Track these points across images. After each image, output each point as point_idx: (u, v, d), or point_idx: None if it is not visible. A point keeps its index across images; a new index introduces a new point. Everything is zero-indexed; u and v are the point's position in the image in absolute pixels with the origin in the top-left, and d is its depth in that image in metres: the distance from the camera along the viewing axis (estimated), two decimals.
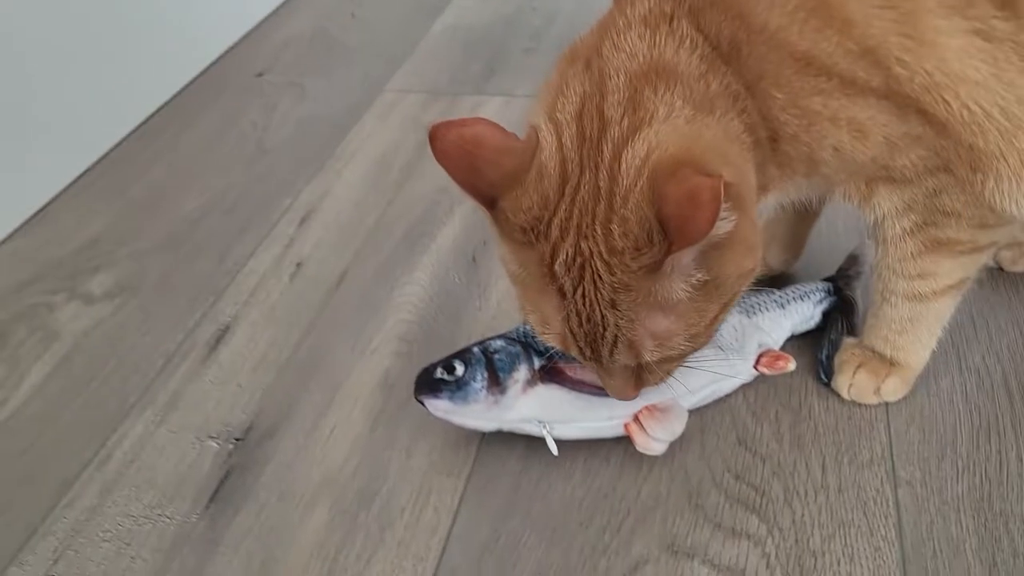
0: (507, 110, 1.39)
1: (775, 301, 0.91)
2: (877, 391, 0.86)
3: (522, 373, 0.82)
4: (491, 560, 0.76)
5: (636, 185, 0.63)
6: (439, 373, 0.82)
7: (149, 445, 0.89)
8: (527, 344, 0.84)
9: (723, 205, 0.58)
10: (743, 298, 0.76)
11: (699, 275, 0.65)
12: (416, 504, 0.81)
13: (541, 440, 0.82)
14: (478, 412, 0.81)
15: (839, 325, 0.92)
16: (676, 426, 0.80)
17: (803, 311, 0.91)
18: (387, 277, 1.08)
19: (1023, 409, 0.85)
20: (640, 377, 0.73)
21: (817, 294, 0.93)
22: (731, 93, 0.68)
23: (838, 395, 0.87)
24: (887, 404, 0.86)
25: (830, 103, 0.68)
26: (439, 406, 0.82)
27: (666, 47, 0.67)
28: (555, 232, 0.65)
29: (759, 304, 0.90)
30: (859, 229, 1.01)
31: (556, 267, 0.66)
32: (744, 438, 0.84)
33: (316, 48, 1.65)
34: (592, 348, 0.69)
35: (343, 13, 1.76)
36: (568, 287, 0.66)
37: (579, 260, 0.65)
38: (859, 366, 0.86)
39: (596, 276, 0.65)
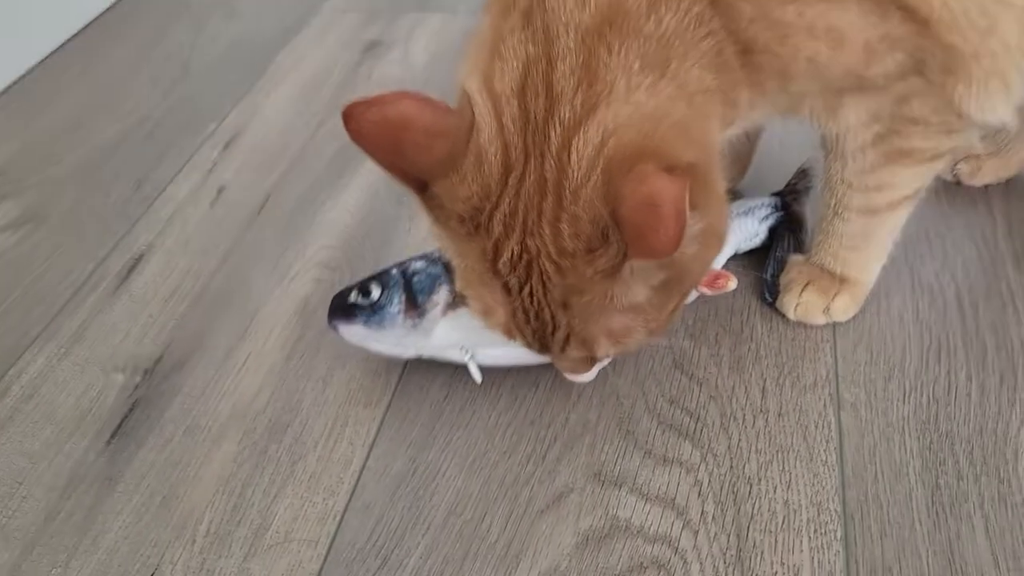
0: (449, 27, 1.32)
1: None
2: (826, 311, 0.81)
3: (442, 295, 0.76)
4: (406, 492, 0.71)
5: (589, 180, 0.56)
6: (354, 297, 0.77)
7: (50, 379, 0.83)
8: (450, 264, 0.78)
9: (689, 213, 0.52)
10: None
11: (662, 275, 0.59)
12: (330, 436, 0.76)
13: (467, 368, 0.77)
14: (395, 338, 0.76)
15: (786, 242, 0.87)
16: None
17: (747, 227, 0.86)
18: (312, 201, 1.01)
19: (975, 327, 0.80)
20: (594, 360, 0.69)
21: (763, 210, 0.87)
22: (691, 18, 0.60)
23: (783, 316, 0.82)
24: (835, 324, 0.81)
25: (806, 11, 0.61)
26: (353, 332, 0.76)
27: None
28: (497, 227, 0.59)
29: None
30: (809, 143, 0.96)
31: (500, 264, 0.60)
32: (681, 361, 0.79)
33: None
34: (541, 342, 0.64)
35: None
36: (514, 285, 0.61)
37: (525, 258, 0.59)
38: (807, 285, 0.81)
39: (545, 277, 0.59)
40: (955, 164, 0.94)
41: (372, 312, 0.76)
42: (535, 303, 0.61)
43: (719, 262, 0.83)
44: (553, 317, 0.62)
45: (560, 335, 0.63)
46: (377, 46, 1.29)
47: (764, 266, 0.85)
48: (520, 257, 0.59)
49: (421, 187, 0.60)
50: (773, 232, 0.87)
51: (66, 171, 1.09)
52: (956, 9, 0.62)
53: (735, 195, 0.91)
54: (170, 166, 1.09)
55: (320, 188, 1.03)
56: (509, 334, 0.66)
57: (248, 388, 0.81)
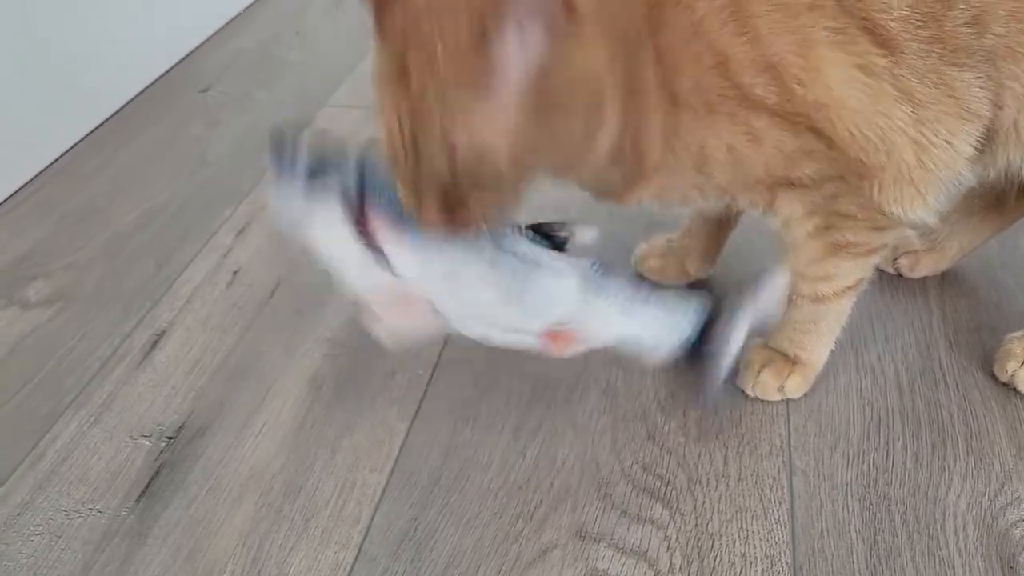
0: None
1: (623, 291, 0.79)
2: (780, 389, 0.91)
3: None
4: (408, 547, 0.80)
5: None
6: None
7: (82, 444, 0.92)
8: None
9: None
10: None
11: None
12: (340, 497, 0.85)
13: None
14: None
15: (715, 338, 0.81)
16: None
17: (656, 320, 0.79)
18: (321, 283, 1.10)
19: (911, 403, 0.91)
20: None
21: (688, 311, 0.80)
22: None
23: (743, 392, 0.92)
24: (788, 400, 0.92)
25: (734, 109, 0.73)
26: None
27: None
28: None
29: (588, 273, 0.78)
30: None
31: None
32: (653, 433, 0.89)
33: (260, 65, 1.68)
34: None
35: (288, 31, 1.80)
36: None
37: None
38: (763, 366, 0.92)
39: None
40: (896, 259, 1.06)
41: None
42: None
43: (593, 335, 0.80)
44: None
45: None
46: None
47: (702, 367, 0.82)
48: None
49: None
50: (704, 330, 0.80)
51: (93, 252, 1.19)
52: (856, 134, 0.73)
53: (705, 286, 1.02)
54: (189, 249, 1.19)
55: (328, 273, 1.13)
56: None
57: (264, 453, 0.90)
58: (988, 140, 0.75)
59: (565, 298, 0.77)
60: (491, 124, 0.66)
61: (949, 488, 0.82)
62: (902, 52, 0.70)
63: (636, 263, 1.07)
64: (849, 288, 0.87)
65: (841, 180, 0.77)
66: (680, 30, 0.71)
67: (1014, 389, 0.91)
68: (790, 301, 0.89)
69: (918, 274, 1.06)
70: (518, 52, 0.63)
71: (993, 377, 0.93)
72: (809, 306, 0.88)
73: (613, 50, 0.69)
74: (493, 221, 0.74)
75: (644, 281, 0.87)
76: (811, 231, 0.82)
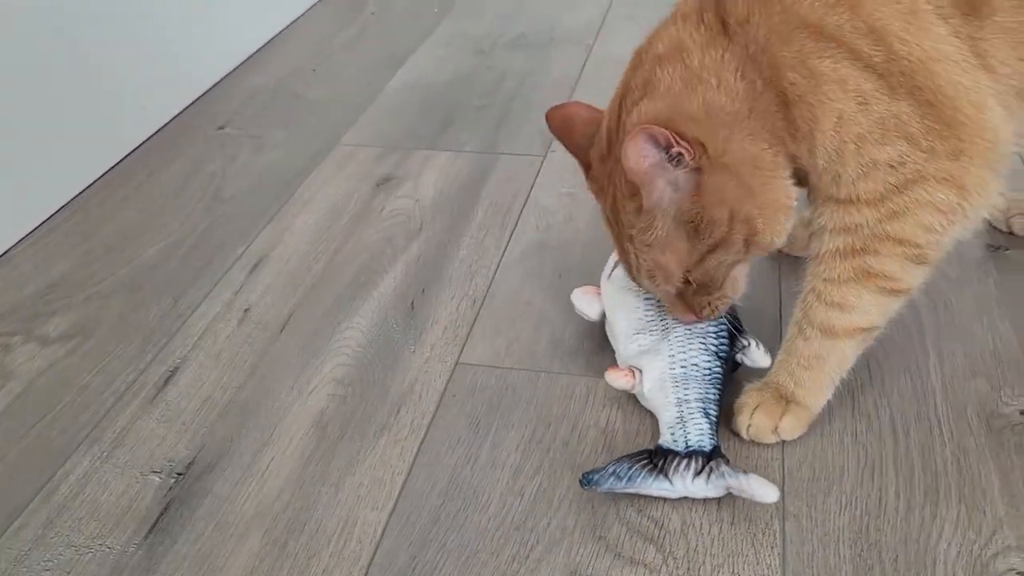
0: (455, 164, 1.47)
1: (693, 391, 0.91)
2: (775, 431, 0.93)
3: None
4: None
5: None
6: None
7: (94, 479, 0.94)
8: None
9: (669, 162, 0.79)
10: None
11: (675, 217, 0.84)
12: (341, 535, 0.87)
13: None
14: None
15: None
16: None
17: (693, 424, 0.90)
18: (329, 322, 1.14)
19: (905, 449, 0.92)
20: (684, 300, 0.91)
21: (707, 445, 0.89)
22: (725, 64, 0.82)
23: (739, 436, 0.94)
24: (784, 444, 0.93)
25: (839, 68, 0.79)
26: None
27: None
28: (606, 184, 0.89)
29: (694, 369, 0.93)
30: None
31: (607, 213, 0.91)
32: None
33: (277, 102, 1.73)
34: (632, 274, 0.92)
35: (305, 69, 1.85)
36: (612, 225, 0.92)
37: (611, 204, 0.89)
38: (756, 408, 0.93)
39: (618, 217, 0.89)
40: (1009, 217, 1.19)
41: None
42: (620, 239, 0.89)
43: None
44: (629, 251, 0.88)
45: (634, 265, 0.89)
46: (390, 180, 1.44)
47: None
48: (611, 206, 0.89)
49: (586, 167, 0.93)
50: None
51: (111, 288, 1.23)
52: (956, 90, 0.78)
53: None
54: (203, 286, 1.22)
55: (337, 310, 1.16)
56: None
57: (271, 490, 0.92)
58: None
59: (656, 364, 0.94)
60: (655, 252, 0.87)
61: (940, 535, 0.83)
62: (992, 12, 0.78)
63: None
64: (861, 330, 0.89)
65: (920, 183, 0.81)
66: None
67: None
68: (799, 330, 0.91)
69: None
70: (669, 195, 0.82)
71: (988, 424, 0.94)
72: (818, 339, 0.90)
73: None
74: (714, 311, 0.92)
75: (715, 410, 0.92)
76: (841, 248, 0.85)
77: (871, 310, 0.88)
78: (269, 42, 1.96)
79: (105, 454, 0.97)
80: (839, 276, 0.87)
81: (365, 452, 0.96)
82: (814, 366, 0.92)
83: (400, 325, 1.13)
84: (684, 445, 0.88)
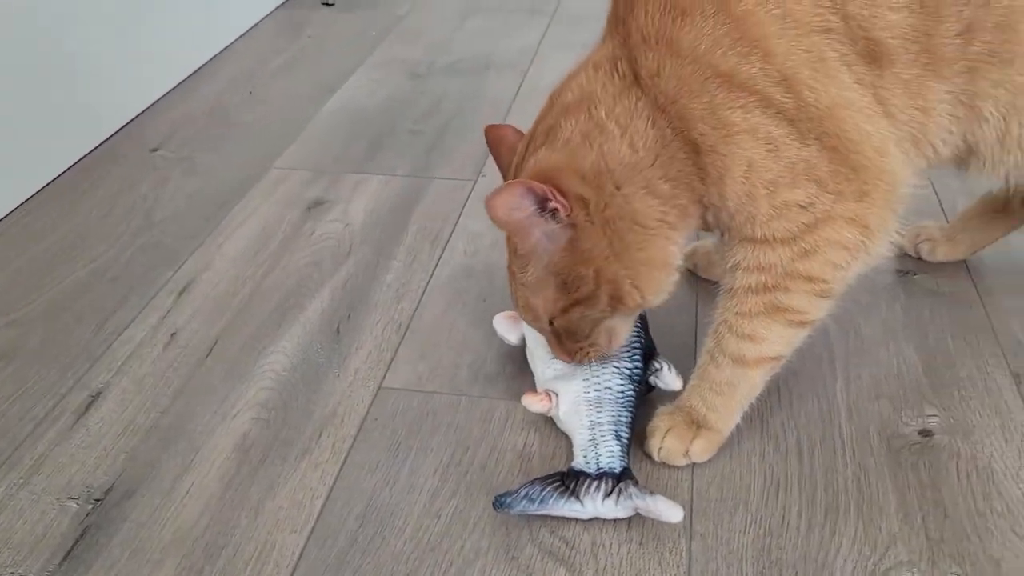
0: (386, 188, 1.49)
1: (608, 414, 0.94)
2: (686, 454, 0.96)
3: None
4: None
5: None
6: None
7: (9, 507, 0.94)
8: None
9: (543, 213, 0.83)
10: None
11: (536, 265, 0.89)
12: (259, 559, 0.88)
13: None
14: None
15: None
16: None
17: (604, 448, 0.93)
18: (255, 347, 1.15)
19: (809, 469, 0.96)
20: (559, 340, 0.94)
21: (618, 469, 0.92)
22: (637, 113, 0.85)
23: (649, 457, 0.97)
24: (694, 466, 0.96)
25: (749, 117, 0.82)
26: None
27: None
28: None
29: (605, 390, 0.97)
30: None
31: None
32: None
33: (212, 124, 1.73)
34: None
35: (241, 91, 1.85)
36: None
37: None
38: (668, 431, 0.96)
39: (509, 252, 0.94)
40: (917, 243, 1.26)
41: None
42: (509, 269, 0.94)
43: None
44: (512, 283, 0.94)
45: (513, 297, 0.95)
46: (320, 204, 1.46)
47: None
48: (506, 236, 0.91)
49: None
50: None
51: (36, 312, 1.23)
52: (857, 136, 0.83)
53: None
54: (130, 310, 1.23)
55: (263, 335, 1.17)
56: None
57: (189, 515, 0.93)
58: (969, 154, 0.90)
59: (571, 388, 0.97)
60: (528, 292, 0.92)
61: (838, 552, 0.87)
62: (891, 64, 0.82)
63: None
64: (770, 359, 0.94)
65: (828, 224, 0.85)
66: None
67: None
68: (711, 358, 0.95)
69: (936, 259, 1.25)
70: (544, 244, 0.87)
71: (888, 444, 0.98)
72: (729, 367, 0.94)
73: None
74: (584, 359, 0.95)
75: (626, 433, 0.95)
76: (754, 285, 0.89)
77: (779, 341, 0.93)
78: (206, 64, 1.96)
79: (22, 481, 0.97)
80: (750, 310, 0.90)
81: (286, 476, 0.97)
82: (725, 392, 0.95)
83: (325, 349, 1.14)
84: (596, 467, 0.91)
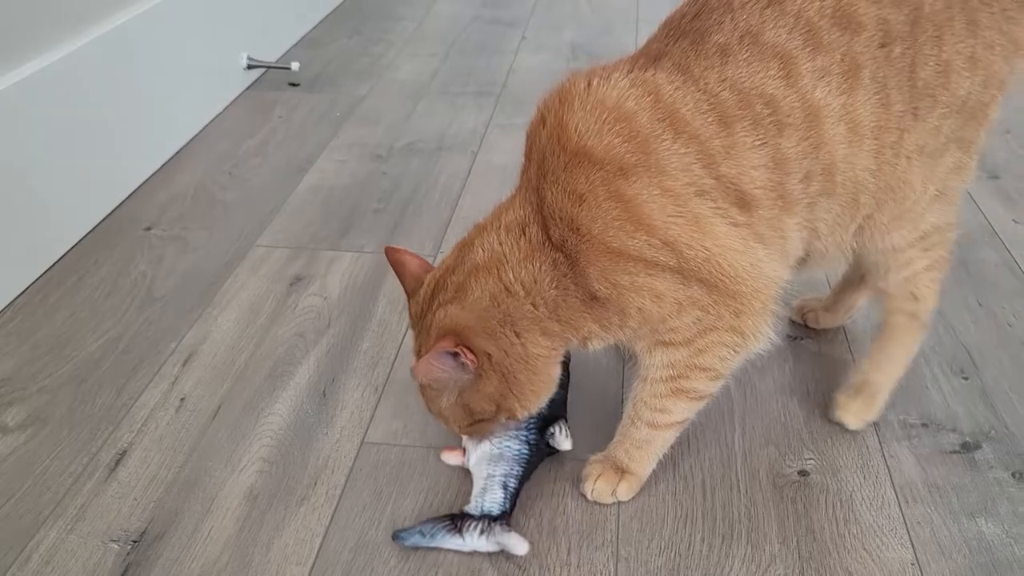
0: (356, 264, 1.72)
1: (501, 467, 1.17)
2: (613, 493, 1.20)
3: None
4: None
5: (431, 335, 1.07)
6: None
7: (62, 549, 1.14)
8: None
9: (447, 371, 1.05)
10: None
11: (449, 399, 1.12)
12: None
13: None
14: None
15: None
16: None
17: (490, 494, 1.16)
18: (254, 409, 1.37)
19: (711, 504, 1.21)
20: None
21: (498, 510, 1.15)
22: (542, 275, 1.04)
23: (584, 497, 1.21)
24: (620, 503, 1.21)
25: (636, 279, 1.03)
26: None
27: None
28: (420, 334, 1.13)
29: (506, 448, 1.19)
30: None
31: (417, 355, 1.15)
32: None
33: (198, 203, 1.94)
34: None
35: (222, 171, 2.07)
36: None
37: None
38: (598, 476, 1.21)
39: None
40: (804, 314, 1.54)
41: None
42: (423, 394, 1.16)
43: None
44: (422, 389, 1.15)
45: (423, 398, 1.15)
46: (300, 280, 1.68)
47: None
48: (416, 351, 1.13)
49: (409, 304, 1.16)
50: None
51: (59, 381, 1.42)
52: (734, 271, 1.02)
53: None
54: (142, 378, 1.43)
55: (260, 399, 1.39)
56: None
57: (212, 553, 1.14)
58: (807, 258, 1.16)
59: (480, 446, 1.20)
60: (438, 406, 1.14)
61: (731, 570, 1.12)
62: (758, 208, 1.04)
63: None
64: (678, 423, 1.19)
65: (715, 332, 1.07)
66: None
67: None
68: (631, 421, 1.19)
69: (820, 326, 1.52)
70: (452, 384, 1.09)
71: (774, 483, 1.24)
72: (645, 430, 1.19)
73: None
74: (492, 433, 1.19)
75: (514, 483, 1.18)
76: (662, 376, 1.13)
77: (684, 412, 1.18)
78: (185, 146, 2.17)
79: (69, 527, 1.17)
80: (660, 393, 1.15)
81: (289, 518, 1.18)
82: (643, 447, 1.20)
83: (314, 411, 1.36)
84: (480, 510, 1.14)
